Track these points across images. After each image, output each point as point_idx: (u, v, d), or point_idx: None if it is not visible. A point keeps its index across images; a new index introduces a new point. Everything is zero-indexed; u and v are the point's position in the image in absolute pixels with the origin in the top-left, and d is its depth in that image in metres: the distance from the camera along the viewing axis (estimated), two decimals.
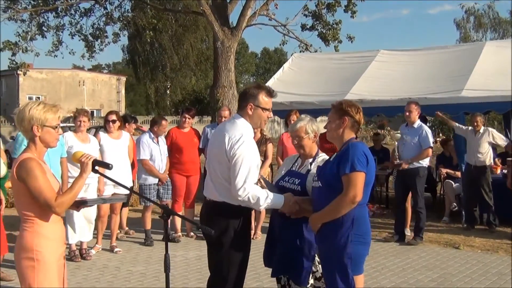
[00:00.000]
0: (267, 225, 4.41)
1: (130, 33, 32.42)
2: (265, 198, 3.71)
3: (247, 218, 3.93)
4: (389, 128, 32.61)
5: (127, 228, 8.73)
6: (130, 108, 54.79)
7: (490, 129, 9.15)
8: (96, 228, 7.43)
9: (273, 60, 72.49)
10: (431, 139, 8.04)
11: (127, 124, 8.41)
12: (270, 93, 3.99)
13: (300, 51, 19.08)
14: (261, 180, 3.86)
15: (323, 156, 4.11)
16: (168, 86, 51.12)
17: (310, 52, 18.85)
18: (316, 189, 3.71)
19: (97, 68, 60.99)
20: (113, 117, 7.54)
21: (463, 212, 9.23)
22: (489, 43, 11.76)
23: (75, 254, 7.04)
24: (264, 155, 8.07)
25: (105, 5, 19.59)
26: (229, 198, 3.75)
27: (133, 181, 8.37)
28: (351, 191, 3.43)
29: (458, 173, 9.66)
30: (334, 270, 3.48)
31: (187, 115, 8.29)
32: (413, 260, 7.09)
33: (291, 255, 3.98)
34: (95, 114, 46.31)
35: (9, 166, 4.64)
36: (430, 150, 8.01)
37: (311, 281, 4.04)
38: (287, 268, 4.04)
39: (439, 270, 6.63)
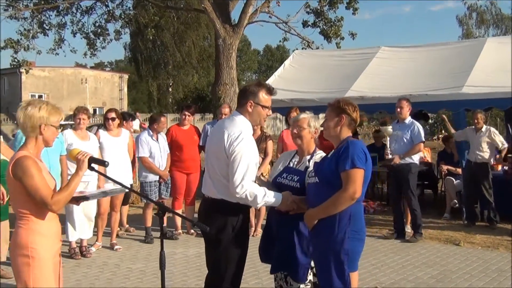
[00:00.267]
0: None
1: (132, 31, 32.35)
2: (262, 196, 3.70)
3: (246, 216, 3.91)
4: (390, 125, 32.78)
5: (127, 226, 8.73)
6: (132, 105, 54.82)
7: (492, 129, 9.09)
8: (96, 225, 7.43)
9: (275, 57, 72.39)
10: (422, 134, 8.03)
11: (125, 122, 8.40)
12: (270, 91, 3.98)
13: (302, 48, 19.07)
14: (257, 181, 3.83)
15: (320, 154, 4.10)
16: (170, 84, 51.15)
17: (312, 49, 18.85)
18: (312, 185, 3.70)
19: (99, 66, 61.08)
20: (113, 114, 7.54)
21: (464, 209, 9.22)
22: (490, 39, 11.73)
23: (75, 252, 7.04)
24: (264, 152, 8.06)
25: (106, 3, 19.61)
26: (228, 195, 3.74)
27: (133, 179, 8.37)
28: (351, 187, 3.43)
29: (459, 170, 9.63)
30: (329, 267, 3.48)
31: (186, 113, 8.28)
32: (413, 257, 7.07)
33: (289, 251, 3.97)
34: (97, 112, 46.39)
35: None
36: (422, 144, 8.01)
37: (310, 277, 4.03)
38: (286, 264, 4.03)
39: (438, 267, 6.61)
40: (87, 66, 55.17)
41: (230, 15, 17.65)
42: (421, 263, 6.78)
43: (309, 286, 4.04)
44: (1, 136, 18.00)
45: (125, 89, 56.57)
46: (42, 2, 18.20)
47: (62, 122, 7.71)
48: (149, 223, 8.07)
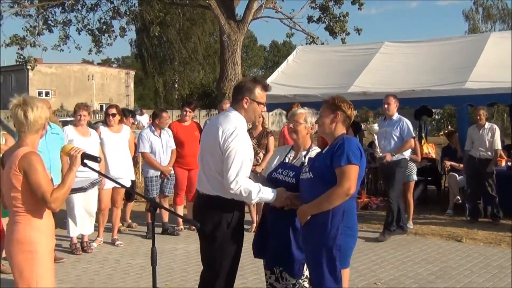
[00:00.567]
0: None
1: (137, 27, 32.48)
2: (257, 192, 3.68)
3: (241, 212, 3.89)
4: None
5: (130, 221, 8.74)
6: (139, 102, 54.94)
7: (495, 127, 9.01)
8: (97, 221, 7.45)
9: (281, 53, 72.18)
10: (412, 130, 7.90)
11: (124, 118, 8.40)
12: (265, 87, 3.96)
13: (307, 44, 19.04)
14: (251, 177, 3.82)
15: (316, 149, 4.08)
16: (176, 80, 51.25)
17: (317, 44, 18.80)
18: (306, 180, 3.68)
19: (106, 63, 61.12)
20: (113, 110, 7.54)
21: (467, 205, 9.16)
22: (494, 34, 11.65)
23: (76, 247, 7.06)
24: (265, 148, 8.04)
25: (111, 0, 19.62)
26: (222, 191, 3.72)
27: (135, 175, 8.39)
28: (346, 183, 3.42)
29: (462, 165, 9.58)
30: (321, 263, 3.46)
31: (187, 109, 8.27)
32: (413, 253, 7.04)
33: (285, 247, 3.95)
34: (104, 109, 46.54)
35: None
36: (413, 140, 7.87)
37: (306, 272, 4.01)
38: (281, 260, 4.02)
39: (439, 263, 6.57)
40: (94, 62, 55.31)
41: (234, 11, 17.67)
42: (422, 259, 6.74)
43: (306, 282, 4.02)
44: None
45: (132, 85, 56.73)
46: None
47: (67, 119, 7.73)
48: (150, 218, 8.06)
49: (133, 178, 7.96)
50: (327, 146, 3.70)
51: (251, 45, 69.21)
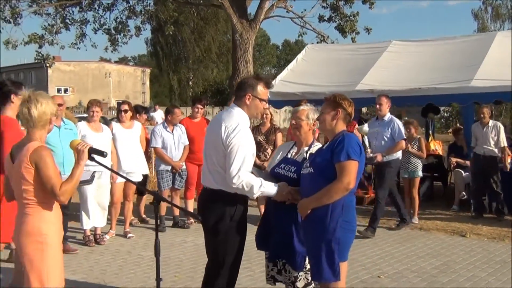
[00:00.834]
0: None
1: (152, 27, 32.59)
2: (259, 187, 3.68)
3: (244, 205, 3.90)
4: (406, 118, 32.44)
5: (144, 216, 8.74)
6: (154, 99, 55.18)
7: (499, 124, 8.93)
8: (109, 214, 7.50)
9: (294, 52, 71.79)
10: (403, 131, 7.75)
11: (138, 114, 8.45)
12: (268, 84, 3.96)
13: (317, 42, 18.98)
14: (254, 172, 3.82)
15: (318, 145, 4.07)
16: (191, 78, 51.42)
17: (327, 43, 18.73)
18: (307, 175, 3.67)
19: (123, 61, 61.54)
20: (125, 107, 7.59)
21: (472, 201, 9.11)
22: (500, 33, 11.52)
23: (89, 239, 7.12)
24: (273, 144, 8.05)
25: (127, 0, 19.68)
26: (226, 185, 3.73)
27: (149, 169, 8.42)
28: (345, 178, 3.42)
29: (468, 162, 9.51)
30: (320, 255, 3.46)
31: (199, 105, 8.32)
32: (418, 248, 7.00)
33: (287, 241, 3.96)
34: None
35: None
36: (404, 142, 7.71)
37: (308, 265, 4.01)
38: (284, 253, 4.03)
39: (443, 257, 6.53)
40: (111, 60, 55.65)
41: (247, 11, 17.65)
42: (426, 254, 6.71)
43: (308, 274, 4.02)
44: None
45: (147, 83, 57.04)
46: None
47: (85, 115, 7.80)
48: (162, 212, 8.12)
49: (146, 172, 7.97)
50: (328, 142, 3.70)
51: (264, 43, 69.16)
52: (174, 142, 7.95)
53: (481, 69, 9.50)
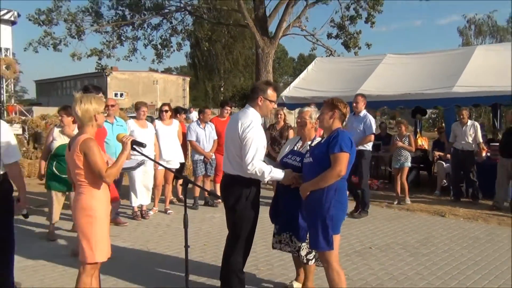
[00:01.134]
0: None
1: (191, 43, 32.76)
2: (269, 172, 3.72)
3: (257, 188, 3.92)
4: (399, 118, 32.05)
5: (181, 196, 8.83)
6: (193, 102, 55.46)
7: (476, 124, 8.78)
8: (153, 194, 7.60)
9: (307, 64, 70.93)
10: (373, 127, 7.47)
11: (178, 114, 8.54)
12: (276, 88, 3.97)
13: (326, 56, 18.86)
14: (265, 160, 3.85)
15: (318, 140, 4.08)
16: (222, 85, 51.53)
17: (334, 56, 18.61)
18: (307, 164, 3.70)
19: (167, 71, 61.79)
20: (166, 108, 7.70)
21: (451, 187, 9.00)
22: (480, 47, 11.30)
23: (137, 214, 7.24)
24: (286, 139, 8.03)
25: (171, 20, 19.81)
26: (242, 171, 3.76)
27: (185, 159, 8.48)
28: (338, 167, 3.43)
29: (449, 156, 9.39)
30: (317, 229, 3.48)
31: (226, 107, 8.39)
32: (404, 225, 6.96)
33: (293, 217, 3.99)
34: None
35: None
36: (372, 136, 7.43)
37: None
38: (290, 227, 4.07)
39: (425, 233, 6.49)
40: (158, 70, 55.95)
41: (268, 29, 17.60)
42: (410, 230, 6.67)
43: None
44: None
45: (187, 89, 57.30)
46: (120, 20, 18.58)
47: (134, 115, 7.91)
48: (196, 193, 8.20)
49: (182, 161, 8.06)
50: (325, 137, 3.71)
51: (283, 57, 68.79)
52: (206, 136, 8.02)
53: (462, 78, 9.37)
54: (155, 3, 18.77)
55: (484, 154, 9.34)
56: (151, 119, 8.76)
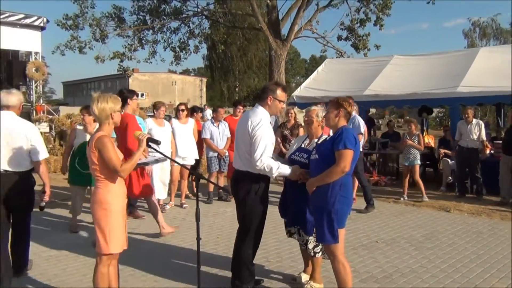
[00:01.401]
0: None
1: (207, 45, 32.82)
2: (276, 168, 3.69)
3: (266, 183, 3.90)
4: (407, 117, 31.68)
5: (188, 193, 8.79)
6: (209, 102, 55.61)
7: (481, 122, 8.63)
8: (170, 189, 7.61)
9: (318, 65, 70.49)
10: (362, 127, 7.28)
11: (195, 113, 8.54)
12: (285, 89, 3.95)
13: (337, 57, 18.72)
14: (273, 157, 3.82)
15: (325, 137, 4.03)
16: (237, 85, 51.55)
17: (344, 57, 18.46)
18: (314, 160, 3.65)
19: (185, 72, 61.99)
20: (182, 107, 7.70)
21: (456, 184, 8.86)
22: (483, 49, 11.09)
23: None
24: (297, 137, 7.98)
25: (188, 24, 19.86)
26: (251, 167, 3.75)
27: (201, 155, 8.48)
28: (342, 163, 3.38)
29: (454, 153, 9.25)
30: (323, 223, 3.44)
31: (239, 106, 8.38)
32: (409, 220, 6.86)
33: (301, 212, 3.94)
34: None
35: None
36: (361, 135, 7.23)
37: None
38: (298, 221, 4.03)
39: (429, 228, 6.38)
40: (177, 72, 56.23)
41: (280, 32, 17.54)
42: (416, 225, 6.57)
43: None
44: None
45: (204, 89, 57.45)
46: (141, 24, 18.69)
47: (152, 113, 7.94)
48: (211, 188, 8.20)
49: (197, 158, 8.06)
50: (331, 135, 3.66)
51: (295, 58, 68.59)
52: (219, 134, 8.01)
53: (466, 78, 9.22)
54: (174, 9, 18.85)
55: (487, 151, 9.20)
56: (169, 118, 8.77)
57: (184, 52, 20.36)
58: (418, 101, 9.72)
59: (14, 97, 4.14)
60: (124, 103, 5.54)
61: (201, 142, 8.33)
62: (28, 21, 15.21)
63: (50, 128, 13.72)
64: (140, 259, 4.91)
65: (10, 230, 4.25)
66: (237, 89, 52.11)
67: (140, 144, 3.42)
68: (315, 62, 74.12)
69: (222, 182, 8.35)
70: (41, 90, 16.39)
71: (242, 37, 34.91)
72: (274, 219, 6.18)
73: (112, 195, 3.35)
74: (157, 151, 3.59)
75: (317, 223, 3.55)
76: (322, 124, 4.09)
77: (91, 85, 60.57)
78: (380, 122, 27.55)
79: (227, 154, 8.14)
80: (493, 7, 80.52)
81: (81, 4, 17.28)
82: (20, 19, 15.05)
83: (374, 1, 17.76)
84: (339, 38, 19.36)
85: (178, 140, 7.41)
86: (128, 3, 19.44)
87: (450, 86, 9.09)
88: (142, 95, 50.50)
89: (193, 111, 8.82)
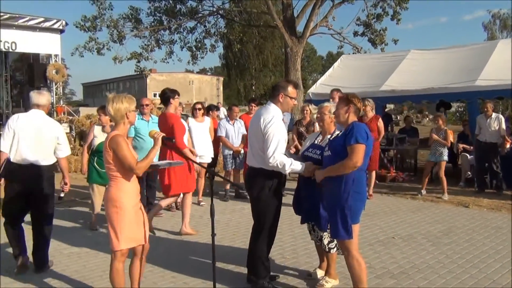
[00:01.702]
0: None
1: (224, 44, 32.95)
2: (289, 165, 3.72)
3: (279, 180, 3.92)
4: (427, 112, 31.24)
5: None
6: (226, 100, 55.84)
7: (500, 116, 8.50)
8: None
9: (335, 61, 70.54)
10: None
11: (211, 111, 8.61)
12: (296, 85, 3.98)
13: (353, 53, 18.59)
14: (286, 154, 3.84)
15: (338, 134, 4.04)
16: (253, 83, 51.59)
17: (361, 53, 18.32)
18: (326, 156, 3.65)
19: (202, 71, 62.37)
20: (199, 106, 7.77)
21: (475, 179, 8.74)
22: (502, 41, 10.87)
23: (172, 206, 7.34)
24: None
25: (204, 24, 19.98)
26: (264, 164, 3.78)
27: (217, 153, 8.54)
28: (354, 158, 3.39)
29: (472, 148, 9.12)
30: (336, 219, 3.45)
31: (253, 104, 8.40)
32: (427, 216, 6.80)
33: (314, 208, 3.97)
34: None
35: None
36: None
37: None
38: (312, 217, 4.06)
39: (447, 224, 6.32)
40: (194, 71, 56.58)
41: (296, 29, 17.50)
42: (434, 221, 6.51)
43: None
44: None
45: (221, 88, 57.75)
46: (158, 25, 18.88)
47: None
48: (227, 186, 8.26)
49: (213, 156, 8.12)
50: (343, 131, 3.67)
51: (312, 55, 68.25)
52: (235, 132, 8.07)
53: (485, 71, 9.07)
54: (189, 9, 18.98)
55: (508, 146, 9.02)
56: (186, 117, 8.88)
57: (200, 51, 20.49)
58: (435, 96, 9.60)
59: (44, 97, 4.51)
60: (167, 102, 5.73)
61: (217, 140, 8.40)
62: (47, 24, 15.54)
63: (70, 129, 13.98)
64: (158, 256, 5.00)
65: (32, 230, 4.56)
66: (253, 87, 52.19)
67: (155, 142, 3.48)
68: (332, 59, 73.44)
69: (239, 179, 8.40)
70: (61, 91, 16.73)
71: (258, 35, 34.93)
72: (290, 216, 6.19)
73: (124, 193, 3.40)
74: (172, 149, 3.65)
75: (331, 219, 3.57)
76: (334, 121, 4.10)
77: (110, 86, 61.46)
78: (398, 118, 27.25)
79: (242, 151, 8.18)
80: None
81: (99, 6, 17.54)
82: (39, 23, 15.40)
83: None
84: (355, 33, 19.21)
85: (194, 139, 7.46)
86: (145, 4, 19.68)
87: (468, 80, 8.96)
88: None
89: (209, 109, 8.89)
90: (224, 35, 22.65)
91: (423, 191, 8.24)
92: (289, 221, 6.22)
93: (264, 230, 3.92)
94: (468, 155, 9.27)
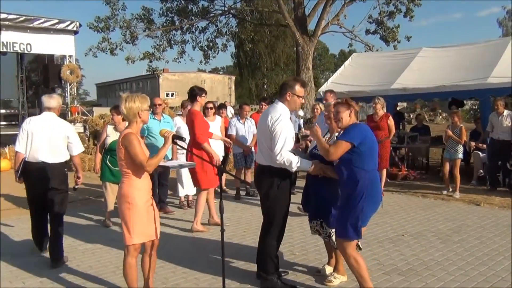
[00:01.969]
0: None
1: (235, 44, 32.99)
2: (296, 162, 3.77)
3: (287, 177, 3.97)
4: (440, 110, 30.95)
5: (224, 187, 8.95)
6: (238, 99, 55.97)
7: None
8: None
9: (347, 59, 70.30)
10: None
11: (221, 110, 8.68)
12: (304, 84, 4.02)
13: (365, 51, 18.51)
14: (293, 152, 3.90)
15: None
16: (265, 82, 51.60)
17: (373, 51, 18.23)
18: None
19: (214, 71, 62.56)
20: (210, 105, 7.81)
21: (487, 177, 8.69)
22: None
23: (183, 204, 7.46)
24: None
25: (216, 23, 20.06)
26: (273, 162, 3.83)
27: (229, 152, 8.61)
28: (332, 149, 3.59)
29: (485, 146, 9.06)
30: (348, 219, 3.52)
31: (263, 103, 8.45)
32: (437, 214, 6.80)
33: (322, 205, 4.02)
34: None
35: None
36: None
37: None
38: (320, 214, 4.10)
39: (458, 222, 6.32)
40: (206, 71, 56.80)
41: (307, 28, 17.49)
42: (444, 219, 6.51)
43: None
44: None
45: (233, 87, 57.90)
46: (170, 25, 19.04)
47: (181, 112, 8.12)
48: (237, 184, 8.33)
49: (223, 154, 8.18)
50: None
51: (324, 53, 67.92)
52: (245, 131, 8.14)
53: (497, 68, 9.01)
54: (201, 8, 19.09)
55: None
56: None
57: (212, 50, 20.59)
58: (446, 93, 9.56)
59: (54, 100, 4.87)
60: (194, 100, 5.95)
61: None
62: (62, 26, 15.81)
63: (84, 129, 14.21)
64: (170, 252, 5.10)
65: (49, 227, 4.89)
66: (265, 86, 52.21)
67: (166, 141, 3.56)
68: (344, 57, 72.92)
69: (249, 177, 8.47)
70: (75, 92, 17.01)
71: (269, 34, 34.98)
72: (300, 213, 6.28)
73: (135, 190, 3.49)
74: (182, 147, 3.74)
75: (341, 218, 3.62)
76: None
77: (123, 86, 62.01)
78: (411, 116, 27.10)
79: (253, 150, 8.25)
80: None
81: (112, 7, 17.75)
82: (54, 24, 15.67)
83: None
84: (367, 32, 19.11)
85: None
86: (157, 4, 19.86)
87: (480, 77, 8.91)
88: (172, 94, 51.37)
89: (220, 108, 8.97)
90: (235, 34, 22.70)
91: (450, 188, 8.20)
92: (299, 218, 6.28)
93: (273, 226, 3.98)
94: (480, 153, 9.22)
